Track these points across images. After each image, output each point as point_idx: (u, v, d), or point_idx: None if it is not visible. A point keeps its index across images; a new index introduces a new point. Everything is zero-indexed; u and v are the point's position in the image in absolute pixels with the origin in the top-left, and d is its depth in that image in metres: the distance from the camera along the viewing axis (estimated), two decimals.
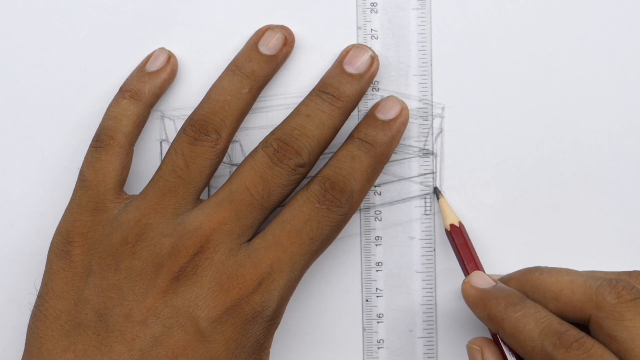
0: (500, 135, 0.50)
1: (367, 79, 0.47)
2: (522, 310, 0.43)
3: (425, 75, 0.50)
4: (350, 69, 0.47)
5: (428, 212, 0.50)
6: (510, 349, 0.44)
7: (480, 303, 0.45)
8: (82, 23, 0.50)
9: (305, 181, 0.47)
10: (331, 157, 0.46)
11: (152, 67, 0.48)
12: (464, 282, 0.46)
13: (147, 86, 0.48)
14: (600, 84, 0.50)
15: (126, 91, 0.48)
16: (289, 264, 0.44)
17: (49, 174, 0.50)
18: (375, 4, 0.50)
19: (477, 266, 0.47)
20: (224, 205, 0.45)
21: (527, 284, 0.45)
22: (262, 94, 0.49)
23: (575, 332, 0.42)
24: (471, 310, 0.46)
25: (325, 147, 0.46)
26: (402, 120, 0.48)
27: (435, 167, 0.50)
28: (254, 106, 0.49)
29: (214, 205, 0.45)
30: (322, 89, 0.47)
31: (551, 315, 0.43)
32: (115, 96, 0.48)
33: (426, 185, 0.51)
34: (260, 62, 0.47)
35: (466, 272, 0.47)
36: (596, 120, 0.50)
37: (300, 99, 0.48)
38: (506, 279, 0.46)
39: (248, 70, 0.47)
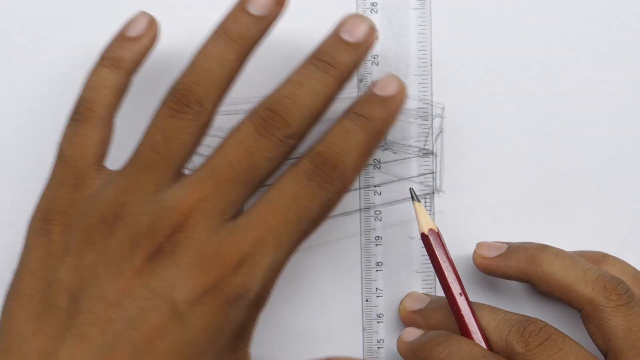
0: (500, 136, 0.50)
1: (364, 48, 0.44)
2: (447, 350, 0.44)
3: (425, 75, 0.50)
4: (347, 37, 0.43)
5: (428, 212, 0.50)
6: None
7: (410, 354, 0.47)
8: (82, 23, 0.50)
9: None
10: (324, 133, 0.43)
11: (133, 32, 0.46)
12: (397, 342, 0.48)
13: (128, 53, 0.45)
14: (600, 84, 0.50)
15: (106, 59, 0.45)
16: (273, 244, 0.41)
17: (49, 173, 0.50)
18: (375, 4, 0.50)
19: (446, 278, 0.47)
20: (204, 182, 0.41)
21: (532, 275, 0.47)
22: (262, 93, 0.48)
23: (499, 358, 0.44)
24: None
25: (317, 118, 0.43)
26: (400, 98, 0.44)
27: (435, 167, 0.50)
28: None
29: (194, 181, 0.42)
30: (317, 57, 0.44)
31: (475, 346, 0.44)
32: (94, 65, 0.46)
33: (426, 185, 0.51)
34: (248, 24, 0.43)
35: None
36: (596, 120, 0.50)
37: None
38: (510, 256, 0.48)
39: (235, 34, 0.43)
